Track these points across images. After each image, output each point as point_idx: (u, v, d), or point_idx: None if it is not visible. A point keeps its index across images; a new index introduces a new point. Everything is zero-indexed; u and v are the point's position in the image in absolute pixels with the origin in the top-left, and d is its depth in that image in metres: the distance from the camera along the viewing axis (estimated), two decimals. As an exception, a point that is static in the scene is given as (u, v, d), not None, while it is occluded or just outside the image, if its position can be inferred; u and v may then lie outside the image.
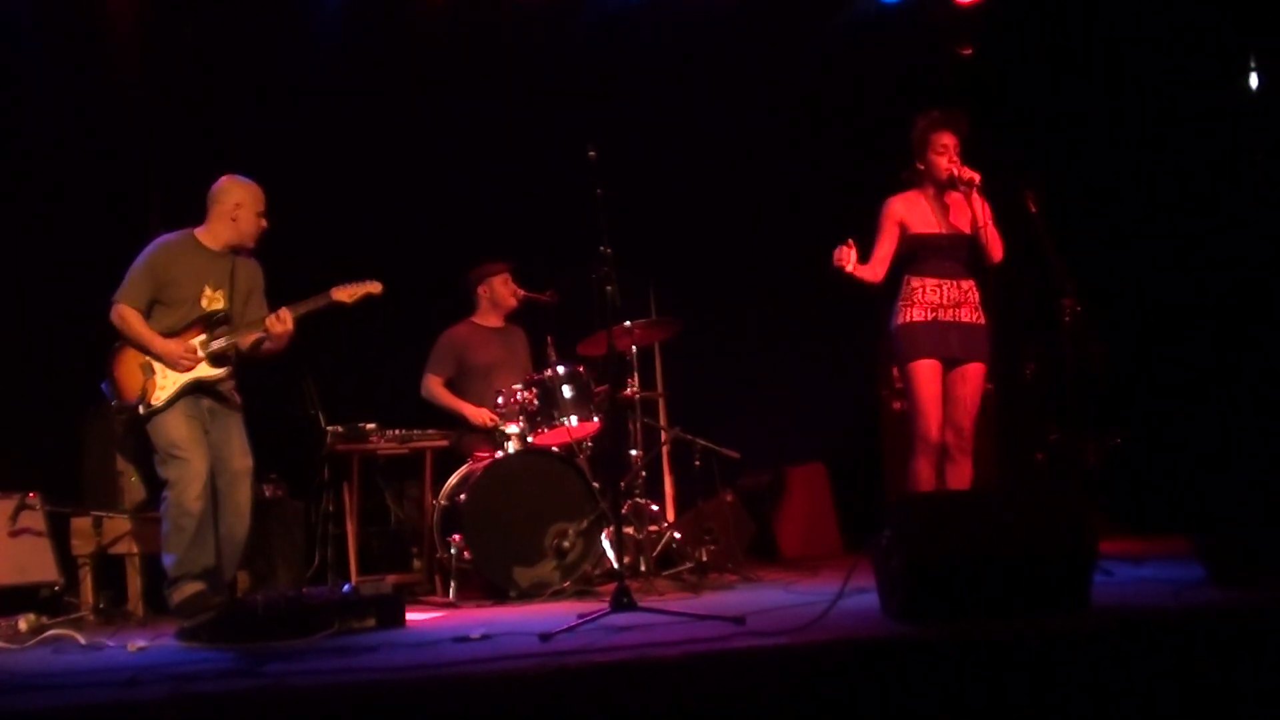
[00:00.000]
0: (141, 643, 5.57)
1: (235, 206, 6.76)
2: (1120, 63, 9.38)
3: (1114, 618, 4.98)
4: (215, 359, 6.69)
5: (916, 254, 6.75)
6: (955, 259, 6.75)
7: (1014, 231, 7.03)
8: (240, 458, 6.74)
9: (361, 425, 7.86)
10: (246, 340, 6.74)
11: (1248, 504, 5.81)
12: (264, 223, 6.81)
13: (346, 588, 6.12)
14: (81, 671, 4.90)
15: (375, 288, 6.91)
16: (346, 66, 8.59)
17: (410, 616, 6.04)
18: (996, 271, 6.81)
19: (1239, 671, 4.62)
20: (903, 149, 6.90)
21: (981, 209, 6.66)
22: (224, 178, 6.82)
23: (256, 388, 7.00)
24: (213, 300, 6.73)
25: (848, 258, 6.57)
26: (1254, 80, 9.36)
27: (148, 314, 6.66)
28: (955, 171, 6.67)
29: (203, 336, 6.68)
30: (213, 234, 6.80)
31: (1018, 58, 9.58)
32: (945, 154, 6.70)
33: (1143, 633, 4.76)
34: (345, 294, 6.84)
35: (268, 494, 7.57)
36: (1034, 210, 7.27)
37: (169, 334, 6.64)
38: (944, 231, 6.75)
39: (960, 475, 6.71)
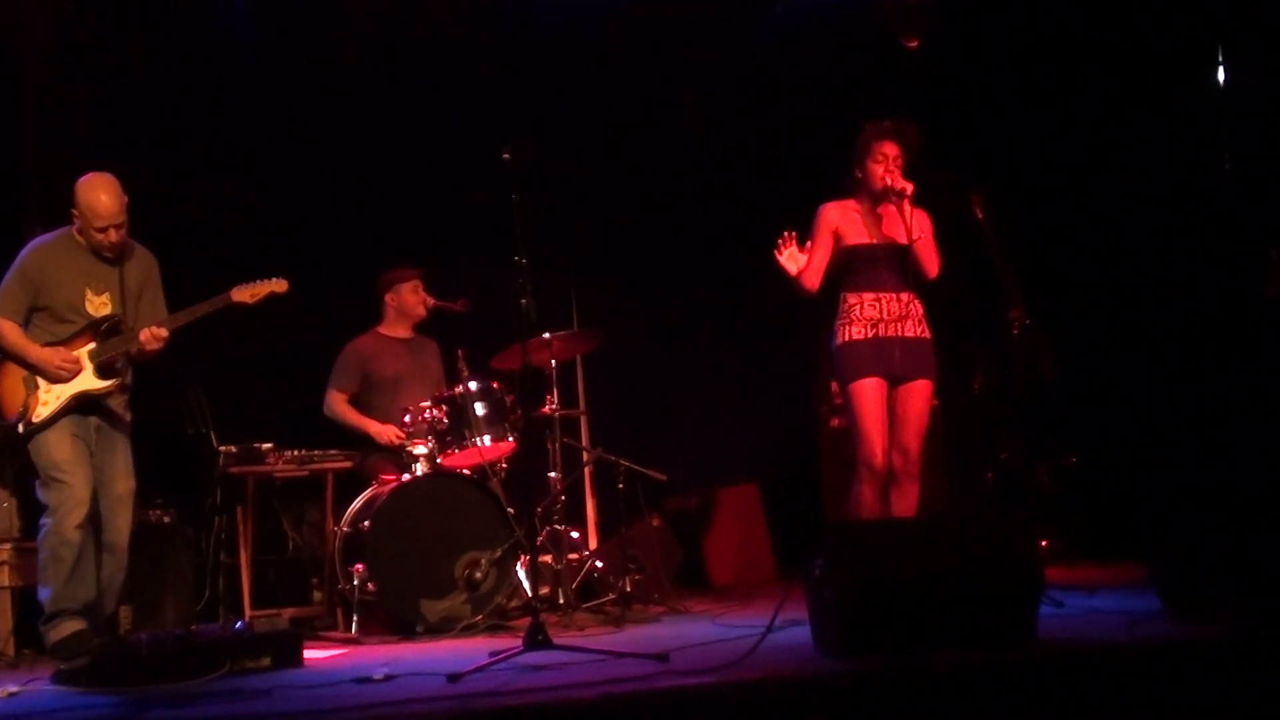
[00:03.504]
0: (13, 688, 5.54)
1: (74, 213, 6.64)
2: (1078, 58, 9.41)
3: (1061, 652, 5.07)
4: (103, 369, 6.64)
5: (851, 267, 6.83)
6: (892, 270, 6.81)
7: (960, 238, 7.13)
8: (123, 480, 6.72)
9: (257, 445, 7.87)
10: (135, 347, 6.67)
11: (1207, 530, 5.89)
12: (106, 237, 6.59)
13: (239, 624, 6.13)
14: (-53, 720, 4.91)
15: (280, 286, 6.85)
16: (250, 59, 8.57)
17: (308, 654, 6.04)
18: (932, 288, 6.90)
19: (1193, 710, 4.72)
20: (844, 150, 6.99)
21: (917, 221, 6.75)
22: (82, 177, 6.65)
23: (141, 402, 6.96)
24: (99, 305, 6.69)
25: (793, 256, 6.73)
26: (1221, 75, 9.37)
27: (28, 323, 6.63)
28: (889, 180, 6.76)
29: (92, 345, 6.63)
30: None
31: (967, 51, 9.65)
32: (884, 163, 6.79)
33: (1091, 668, 4.84)
34: (246, 294, 6.78)
35: (154, 520, 7.54)
36: (981, 216, 7.38)
37: (58, 344, 6.59)
38: (878, 242, 6.83)
39: (906, 501, 6.76)
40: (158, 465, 7.36)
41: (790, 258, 6.82)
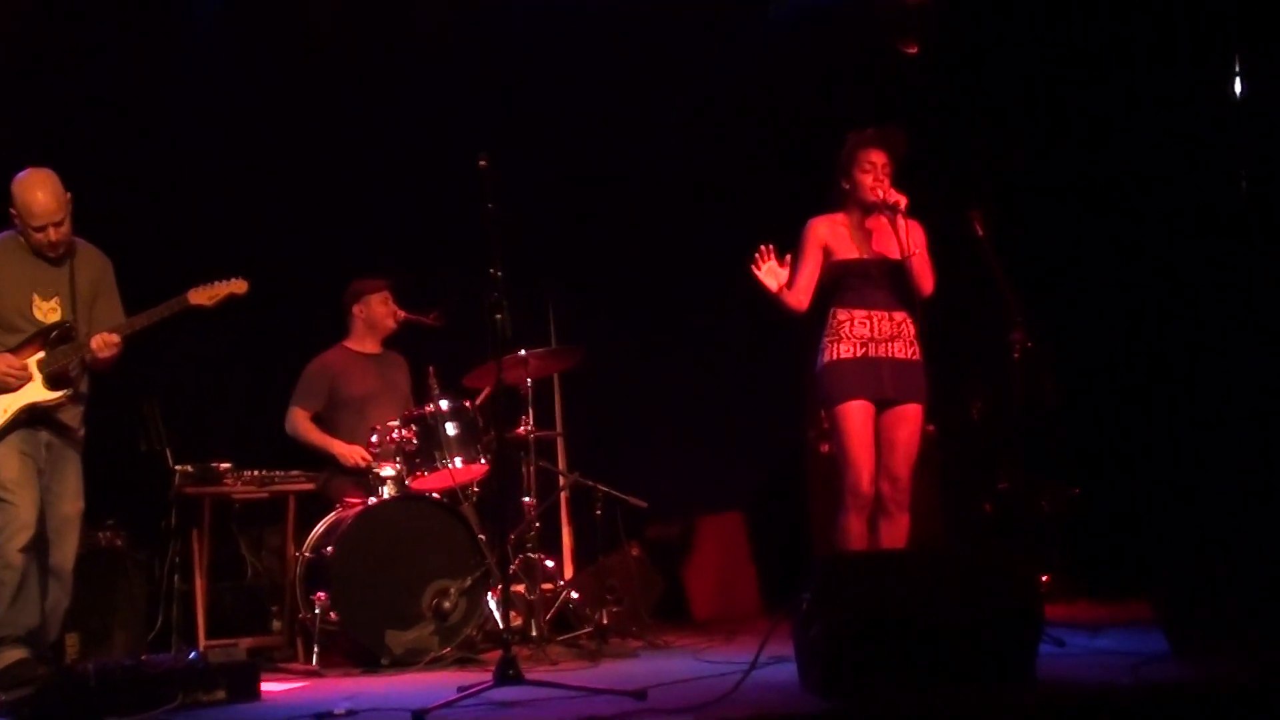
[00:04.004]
0: (-49, 718, 5.52)
1: (13, 214, 6.58)
2: (1084, 68, 9.40)
3: (1060, 694, 5.05)
4: (53, 379, 6.57)
5: (841, 283, 6.80)
6: (884, 288, 6.79)
7: (959, 256, 7.10)
8: (72, 501, 6.67)
9: (214, 464, 7.83)
10: (87, 355, 6.59)
11: (1218, 566, 5.88)
12: (45, 236, 6.53)
13: (193, 654, 6.07)
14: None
15: (239, 287, 6.82)
16: (216, 57, 8.54)
17: (266, 687, 6.03)
18: (928, 305, 6.87)
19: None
20: (835, 161, 6.97)
21: (910, 234, 6.71)
22: (18, 174, 6.59)
23: (92, 416, 6.89)
24: (48, 311, 6.63)
25: (773, 271, 6.68)
26: (1239, 87, 9.30)
27: None
28: (880, 193, 6.72)
29: (41, 354, 6.57)
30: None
31: (968, 58, 9.63)
32: (872, 172, 6.76)
33: (1093, 711, 4.84)
34: (204, 296, 6.74)
35: (104, 542, 7.49)
36: (981, 232, 7.36)
37: (5, 354, 6.51)
38: (869, 257, 6.81)
39: (896, 532, 6.74)
40: (109, 484, 7.31)
41: (769, 272, 6.74)
